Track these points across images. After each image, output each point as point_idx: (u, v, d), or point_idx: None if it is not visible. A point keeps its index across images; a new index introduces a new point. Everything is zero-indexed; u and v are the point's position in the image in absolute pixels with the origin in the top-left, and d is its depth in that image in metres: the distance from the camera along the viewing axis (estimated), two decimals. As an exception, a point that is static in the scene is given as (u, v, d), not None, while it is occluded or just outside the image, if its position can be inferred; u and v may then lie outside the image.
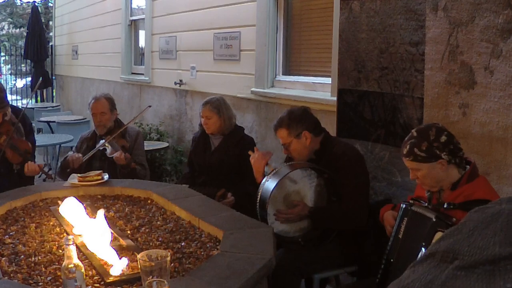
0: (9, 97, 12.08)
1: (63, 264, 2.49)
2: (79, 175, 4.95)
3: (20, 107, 6.17)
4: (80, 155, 5.54)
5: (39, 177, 5.72)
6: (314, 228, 4.15)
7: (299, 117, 4.28)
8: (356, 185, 4.08)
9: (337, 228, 4.13)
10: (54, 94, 17.45)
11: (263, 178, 4.17)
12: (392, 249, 3.34)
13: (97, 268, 3.07)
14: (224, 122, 5.53)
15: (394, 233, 3.34)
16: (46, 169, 5.21)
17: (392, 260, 3.30)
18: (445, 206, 3.17)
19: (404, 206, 3.34)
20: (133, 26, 11.38)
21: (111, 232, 3.40)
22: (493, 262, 1.28)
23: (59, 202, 4.24)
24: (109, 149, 5.53)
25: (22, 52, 17.22)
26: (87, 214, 3.84)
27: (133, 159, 5.56)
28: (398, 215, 3.36)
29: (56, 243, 3.55)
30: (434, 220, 3.06)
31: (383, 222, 3.68)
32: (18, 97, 19.63)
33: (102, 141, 5.58)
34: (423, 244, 3.03)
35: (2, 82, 18.62)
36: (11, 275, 3.03)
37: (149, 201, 4.59)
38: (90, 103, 5.82)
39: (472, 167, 3.26)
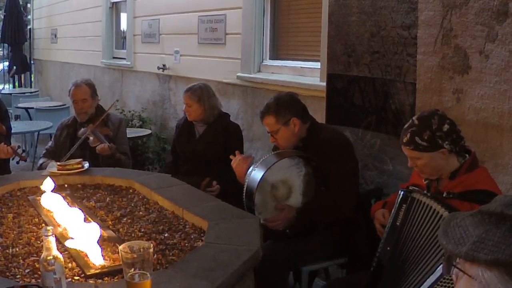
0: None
1: (42, 256, 2.46)
2: (58, 163, 4.92)
3: None
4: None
5: (13, 159, 5.68)
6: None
7: (287, 103, 4.25)
8: (343, 171, 4.06)
9: (326, 218, 4.12)
10: (32, 79, 17.35)
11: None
12: (389, 237, 3.30)
13: (77, 260, 3.06)
14: (205, 111, 5.51)
15: (392, 221, 3.29)
16: (19, 151, 5.15)
17: (388, 248, 3.27)
18: (444, 195, 3.16)
19: (402, 193, 3.30)
20: (115, 8, 11.29)
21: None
22: None
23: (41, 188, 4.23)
24: (91, 139, 5.49)
25: (-1, 36, 17.14)
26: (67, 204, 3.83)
27: (117, 149, 5.52)
28: (396, 202, 3.30)
29: (35, 234, 3.54)
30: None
31: (374, 219, 3.67)
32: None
33: (83, 130, 5.53)
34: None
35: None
36: (-13, 267, 3.00)
37: (131, 191, 4.57)
38: (70, 90, 5.78)
39: (472, 157, 3.24)
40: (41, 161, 5.65)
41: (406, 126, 3.28)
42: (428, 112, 3.29)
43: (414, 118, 3.28)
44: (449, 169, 3.24)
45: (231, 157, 4.46)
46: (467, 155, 3.25)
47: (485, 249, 1.35)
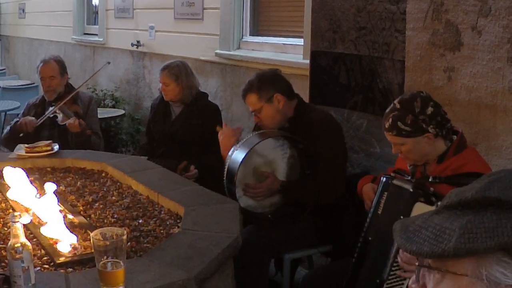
0: None
1: (9, 244, 2.45)
2: (26, 145, 4.87)
3: None
4: (33, 118, 5.47)
5: None
6: (286, 203, 4.12)
7: (270, 79, 4.23)
8: (332, 156, 4.05)
9: (311, 202, 4.10)
10: (-1, 56, 17.26)
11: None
12: (370, 226, 3.29)
13: (46, 248, 3.04)
14: (183, 91, 5.48)
15: (373, 209, 3.29)
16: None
17: (370, 238, 3.27)
18: (430, 180, 3.13)
19: (384, 179, 3.27)
20: (86, -19, 11.20)
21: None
22: None
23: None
24: (60, 116, 5.46)
25: (-37, 11, 16.97)
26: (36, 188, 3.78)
27: (87, 126, 5.48)
28: (378, 189, 3.30)
29: (1, 220, 3.51)
30: (411, 190, 3.01)
31: (361, 195, 3.64)
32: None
33: (51, 108, 5.50)
34: (401, 217, 2.99)
35: None
36: (-50, 256, 2.97)
37: (103, 174, 4.55)
38: (38, 67, 5.76)
39: (459, 138, 3.21)
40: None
41: (387, 110, 3.25)
42: (410, 94, 3.26)
43: (395, 101, 3.24)
44: (436, 153, 3.21)
45: (217, 128, 4.42)
46: (454, 137, 3.22)
47: (479, 237, 1.30)
